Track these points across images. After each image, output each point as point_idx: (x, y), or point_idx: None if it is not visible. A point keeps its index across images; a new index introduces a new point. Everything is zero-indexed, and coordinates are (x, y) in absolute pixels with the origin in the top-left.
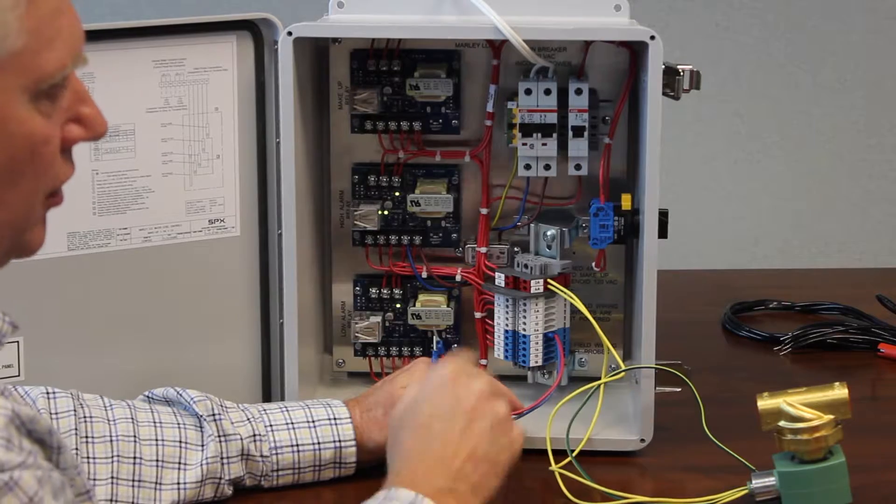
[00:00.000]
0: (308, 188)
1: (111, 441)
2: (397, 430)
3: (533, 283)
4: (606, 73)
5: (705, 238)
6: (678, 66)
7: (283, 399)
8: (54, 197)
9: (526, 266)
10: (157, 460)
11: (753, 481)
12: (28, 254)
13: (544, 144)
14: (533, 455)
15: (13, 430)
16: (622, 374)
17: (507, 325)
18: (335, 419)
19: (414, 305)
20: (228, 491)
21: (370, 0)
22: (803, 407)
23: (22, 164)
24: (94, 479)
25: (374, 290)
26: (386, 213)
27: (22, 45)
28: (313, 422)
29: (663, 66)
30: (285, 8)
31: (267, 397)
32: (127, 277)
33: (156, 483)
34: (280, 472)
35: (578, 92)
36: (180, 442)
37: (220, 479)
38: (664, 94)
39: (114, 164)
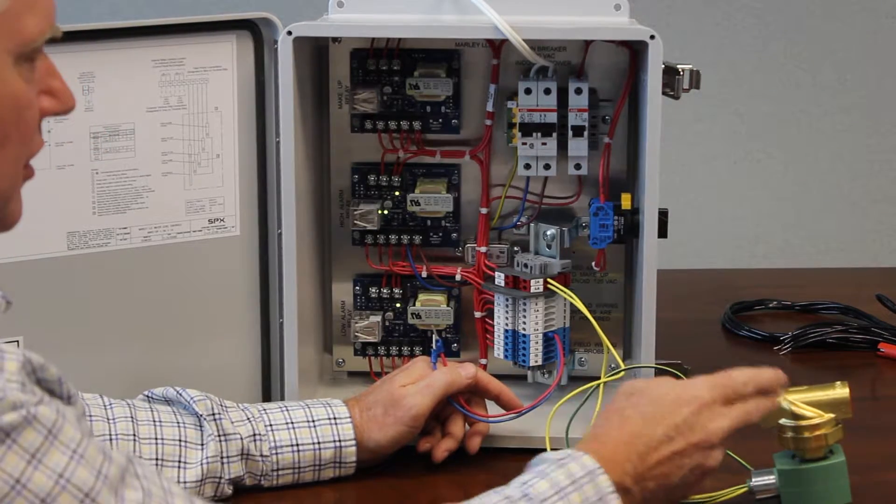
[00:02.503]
0: (308, 188)
1: (110, 440)
2: (627, 396)
3: (533, 282)
4: (606, 72)
5: (705, 238)
6: (678, 66)
7: (283, 399)
8: (26, 169)
9: (526, 266)
10: (157, 459)
11: (753, 479)
12: (8, 227)
13: (544, 144)
14: (532, 454)
15: (25, 375)
16: (622, 373)
17: (506, 324)
18: (335, 419)
19: (414, 305)
20: (228, 490)
21: (370, 0)
22: (804, 405)
23: (9, 126)
24: None
25: (373, 290)
26: (386, 212)
27: (6, 7)
28: (313, 421)
29: (663, 66)
30: (285, 8)
31: (267, 397)
32: (127, 277)
33: None
34: (280, 472)
35: (578, 91)
36: (180, 441)
37: (220, 478)
38: (664, 93)
39: (114, 164)
